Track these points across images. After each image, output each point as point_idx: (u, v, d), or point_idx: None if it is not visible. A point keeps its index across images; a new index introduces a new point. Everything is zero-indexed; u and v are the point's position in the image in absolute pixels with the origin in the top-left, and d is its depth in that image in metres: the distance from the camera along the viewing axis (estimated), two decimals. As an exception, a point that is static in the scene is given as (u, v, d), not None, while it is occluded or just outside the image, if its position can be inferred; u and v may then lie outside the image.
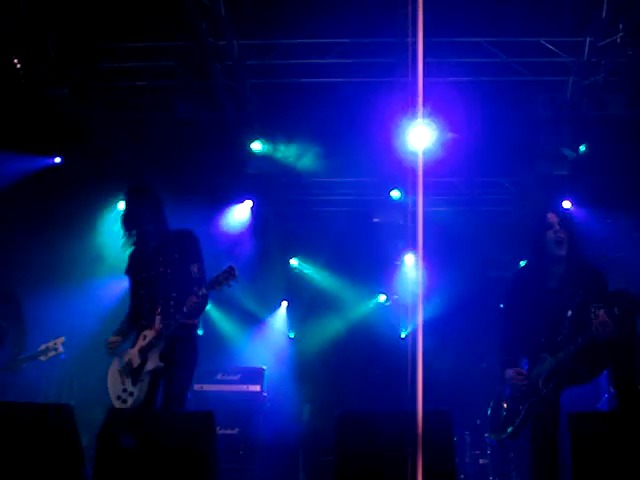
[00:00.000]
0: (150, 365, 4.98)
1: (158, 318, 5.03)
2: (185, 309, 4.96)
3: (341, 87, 7.90)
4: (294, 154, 9.09)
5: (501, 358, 4.76)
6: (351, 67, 7.75)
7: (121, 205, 9.30)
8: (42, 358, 5.79)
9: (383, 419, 4.30)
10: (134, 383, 5.00)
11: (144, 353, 5.01)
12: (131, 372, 5.03)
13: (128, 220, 5.33)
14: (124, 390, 5.02)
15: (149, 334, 5.04)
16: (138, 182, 5.73)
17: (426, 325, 8.91)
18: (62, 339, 5.88)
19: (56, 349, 5.81)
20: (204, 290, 4.97)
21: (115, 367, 5.16)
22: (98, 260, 8.34)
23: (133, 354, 5.06)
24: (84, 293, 7.50)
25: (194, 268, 5.11)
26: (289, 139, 8.91)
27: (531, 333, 4.61)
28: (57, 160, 9.16)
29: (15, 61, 7.35)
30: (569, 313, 4.46)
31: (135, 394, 4.96)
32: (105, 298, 7.84)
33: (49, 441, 3.97)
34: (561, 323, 4.46)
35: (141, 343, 5.05)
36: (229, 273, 4.97)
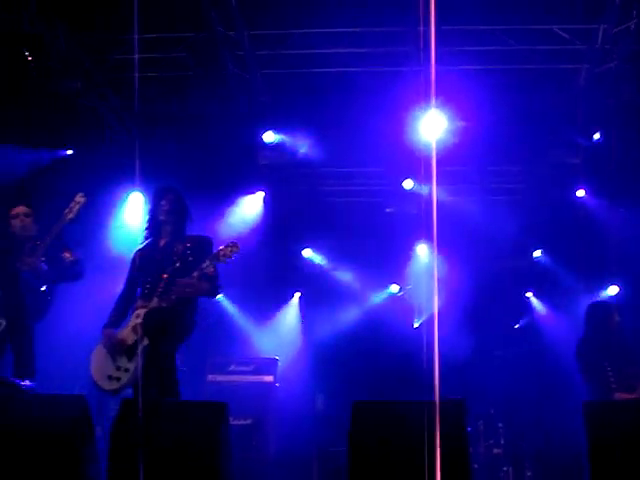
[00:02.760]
0: (146, 340, 4.99)
1: (155, 299, 5.07)
2: (173, 294, 5.03)
3: (353, 77, 7.87)
4: (306, 144, 9.06)
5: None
6: (364, 56, 7.71)
7: (133, 201, 9.40)
8: (70, 216, 5.74)
9: (398, 408, 4.29)
10: (130, 359, 5.00)
11: (138, 330, 5.03)
12: (126, 350, 5.03)
13: (154, 218, 5.40)
14: (117, 368, 5.01)
15: (142, 312, 5.06)
16: (167, 183, 5.82)
17: (443, 314, 8.92)
18: (80, 193, 5.83)
19: (79, 202, 5.77)
20: (208, 262, 5.02)
21: (101, 350, 5.15)
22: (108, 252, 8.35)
23: (126, 333, 5.08)
24: (95, 287, 7.51)
25: (210, 268, 5.15)
26: (301, 129, 8.88)
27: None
28: (69, 152, 9.18)
29: (26, 54, 7.36)
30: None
31: (131, 370, 4.96)
32: (110, 290, 7.85)
33: (63, 432, 3.98)
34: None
35: (135, 321, 5.07)
36: (232, 246, 5.06)
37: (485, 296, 9.89)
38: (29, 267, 5.54)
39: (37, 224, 5.94)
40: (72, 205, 5.73)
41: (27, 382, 5.07)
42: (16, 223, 5.84)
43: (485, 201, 9.91)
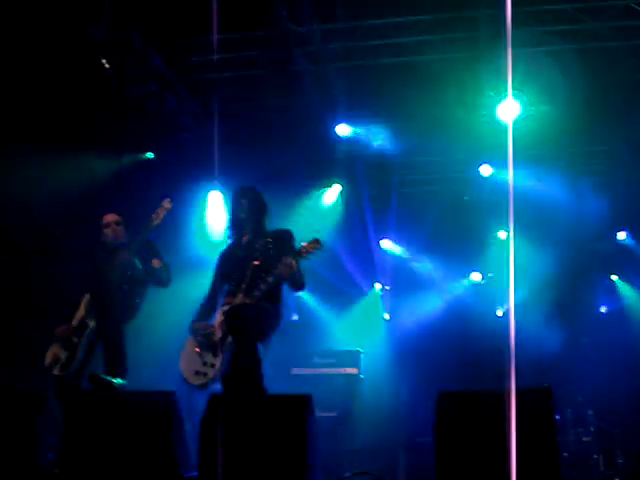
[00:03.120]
0: (231, 336, 5.05)
1: (240, 295, 5.15)
2: (270, 278, 5.09)
3: (425, 65, 7.80)
4: (381, 135, 9.04)
5: None
6: (435, 44, 7.63)
7: (213, 200, 9.58)
8: (157, 222, 5.79)
9: (483, 398, 4.26)
10: (215, 355, 5.09)
11: (223, 326, 5.11)
12: (211, 346, 5.13)
13: (235, 217, 5.51)
14: (204, 364, 5.11)
15: (227, 309, 5.15)
16: (244, 183, 5.93)
17: (527, 301, 8.75)
18: (167, 199, 5.82)
19: (166, 207, 5.80)
20: (290, 259, 5.06)
21: (189, 346, 5.27)
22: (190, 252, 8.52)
23: (213, 329, 5.17)
24: (179, 287, 7.69)
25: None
26: (375, 120, 8.86)
27: None
28: (150, 156, 9.41)
29: (103, 61, 7.58)
30: None
31: (217, 365, 5.06)
32: (195, 289, 7.99)
33: (153, 428, 4.10)
34: None
35: (220, 318, 5.16)
36: (315, 242, 5.09)
37: (570, 281, 9.69)
38: (119, 272, 5.66)
39: (128, 230, 6.09)
40: (159, 211, 5.77)
41: (119, 380, 5.22)
42: (108, 232, 5.98)
43: (567, 184, 9.70)
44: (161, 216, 5.75)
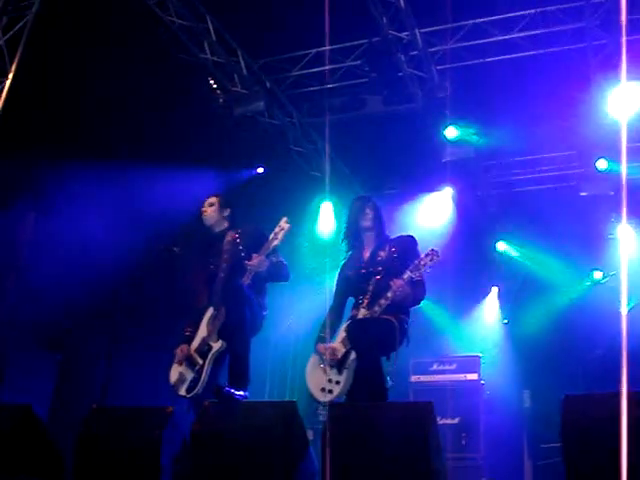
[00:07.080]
0: (354, 352, 5.00)
1: (362, 310, 5.11)
2: (389, 294, 5.01)
3: (531, 60, 7.63)
4: (489, 136, 8.89)
5: None
6: (539, 39, 7.46)
7: (325, 211, 9.66)
8: (276, 242, 5.45)
9: (611, 401, 4.09)
10: (340, 372, 5.06)
11: (345, 342, 5.07)
12: (336, 363, 5.09)
13: (355, 227, 5.47)
14: (329, 381, 5.07)
15: (349, 324, 5.13)
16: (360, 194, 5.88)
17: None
18: (285, 218, 5.51)
19: (283, 228, 5.48)
20: (409, 273, 4.99)
21: (315, 362, 5.24)
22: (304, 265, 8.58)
23: (336, 346, 5.14)
24: (286, 300, 7.74)
25: (415, 274, 5.05)
26: (482, 121, 8.72)
27: None
28: (260, 170, 9.60)
29: (211, 82, 7.81)
30: None
31: (342, 382, 5.02)
32: (308, 304, 8.00)
33: (276, 437, 4.16)
34: None
35: (343, 334, 5.13)
36: (431, 255, 5.00)
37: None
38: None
39: (226, 209, 5.82)
40: (277, 231, 5.52)
41: (241, 392, 5.26)
42: (203, 218, 5.85)
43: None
44: (280, 237, 5.48)
